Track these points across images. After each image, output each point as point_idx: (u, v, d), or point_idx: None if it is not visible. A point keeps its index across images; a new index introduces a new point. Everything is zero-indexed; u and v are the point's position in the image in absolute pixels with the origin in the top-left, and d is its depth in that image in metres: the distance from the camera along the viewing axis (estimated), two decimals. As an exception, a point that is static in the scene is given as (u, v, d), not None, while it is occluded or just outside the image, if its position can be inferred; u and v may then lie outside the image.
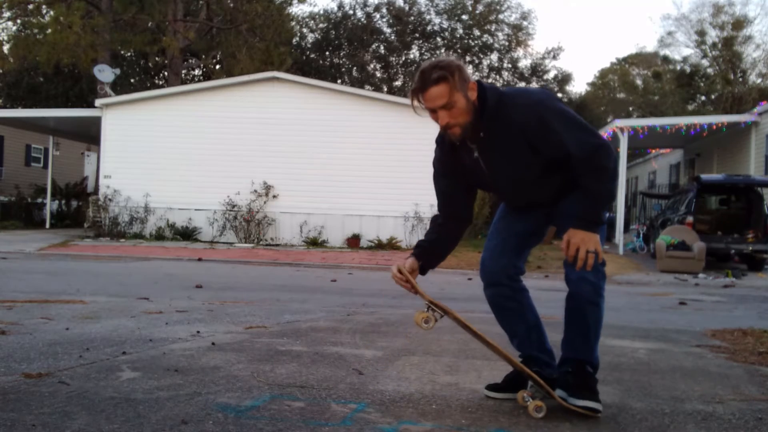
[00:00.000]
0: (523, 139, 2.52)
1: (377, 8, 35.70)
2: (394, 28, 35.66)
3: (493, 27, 36.40)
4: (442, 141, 2.69)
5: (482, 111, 2.51)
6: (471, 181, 2.75)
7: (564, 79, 38.08)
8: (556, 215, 2.73)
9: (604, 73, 47.56)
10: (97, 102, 17.72)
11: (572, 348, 2.65)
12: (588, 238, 2.49)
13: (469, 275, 11.12)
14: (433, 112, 2.50)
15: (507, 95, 2.55)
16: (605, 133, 17.51)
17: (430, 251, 2.75)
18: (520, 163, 2.58)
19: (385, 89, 33.81)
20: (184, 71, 29.35)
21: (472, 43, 36.03)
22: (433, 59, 2.56)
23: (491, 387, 2.87)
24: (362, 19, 35.59)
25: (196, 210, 16.97)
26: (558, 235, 2.72)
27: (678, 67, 36.74)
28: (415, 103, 2.51)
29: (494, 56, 36.89)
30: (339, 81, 33.09)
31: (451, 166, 2.71)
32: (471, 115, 2.50)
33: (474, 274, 11.28)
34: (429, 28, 35.71)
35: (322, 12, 41.23)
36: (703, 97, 35.68)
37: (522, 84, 34.87)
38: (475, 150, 2.60)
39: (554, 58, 43.38)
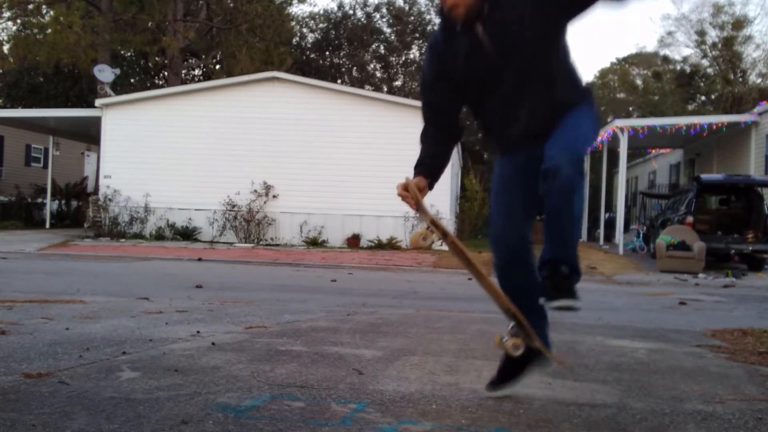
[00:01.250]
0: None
1: (377, 8, 35.76)
2: (394, 28, 35.67)
3: (493, 27, 36.39)
4: (435, 43, 2.70)
5: None
6: (463, 89, 2.68)
7: (564, 79, 38.03)
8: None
9: (604, 73, 47.54)
10: (97, 102, 17.72)
11: (547, 251, 2.53)
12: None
13: (469, 275, 11.11)
14: None
15: None
16: (605, 133, 17.52)
17: (433, 166, 2.79)
18: (527, 31, 2.52)
19: (385, 89, 33.82)
20: (184, 71, 29.35)
21: (472, 43, 36.01)
22: None
23: (491, 386, 2.86)
24: (362, 19, 35.62)
25: (196, 210, 16.97)
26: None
27: (678, 67, 36.75)
28: None
29: (494, 56, 36.87)
30: (339, 81, 33.08)
31: (444, 65, 2.66)
32: None
33: (474, 274, 11.25)
34: (429, 28, 35.69)
35: (322, 12, 41.33)
36: (703, 97, 35.68)
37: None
38: (479, 30, 2.53)
39: (554, 57, 43.22)
